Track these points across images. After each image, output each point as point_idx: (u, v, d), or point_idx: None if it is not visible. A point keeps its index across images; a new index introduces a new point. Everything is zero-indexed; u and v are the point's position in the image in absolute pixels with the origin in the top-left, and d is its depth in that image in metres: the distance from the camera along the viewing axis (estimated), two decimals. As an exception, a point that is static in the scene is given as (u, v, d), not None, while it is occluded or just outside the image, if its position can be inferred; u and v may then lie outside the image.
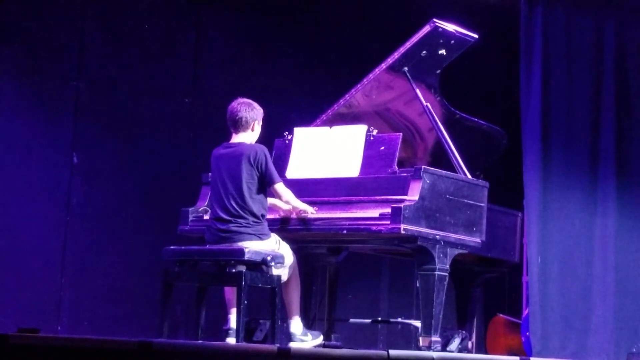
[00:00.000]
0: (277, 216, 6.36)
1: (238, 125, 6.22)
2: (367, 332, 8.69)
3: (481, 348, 8.11)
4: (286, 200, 6.24)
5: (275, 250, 6.11)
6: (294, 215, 6.32)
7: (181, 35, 8.51)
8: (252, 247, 5.97)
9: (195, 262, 6.13)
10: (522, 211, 7.10)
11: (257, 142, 6.29)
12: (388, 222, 6.02)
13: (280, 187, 6.18)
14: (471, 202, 6.40)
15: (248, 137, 6.24)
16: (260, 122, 6.29)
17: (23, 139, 7.90)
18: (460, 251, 6.32)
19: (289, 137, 6.76)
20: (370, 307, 8.83)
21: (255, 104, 6.27)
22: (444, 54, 6.82)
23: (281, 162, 6.65)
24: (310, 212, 6.27)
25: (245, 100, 6.27)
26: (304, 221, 6.29)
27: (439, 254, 6.17)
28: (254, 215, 6.08)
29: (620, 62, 7.21)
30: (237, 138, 6.24)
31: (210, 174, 6.33)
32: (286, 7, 8.73)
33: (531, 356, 6.71)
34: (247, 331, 6.34)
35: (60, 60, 8.08)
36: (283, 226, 6.35)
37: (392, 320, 8.14)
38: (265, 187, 6.16)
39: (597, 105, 7.20)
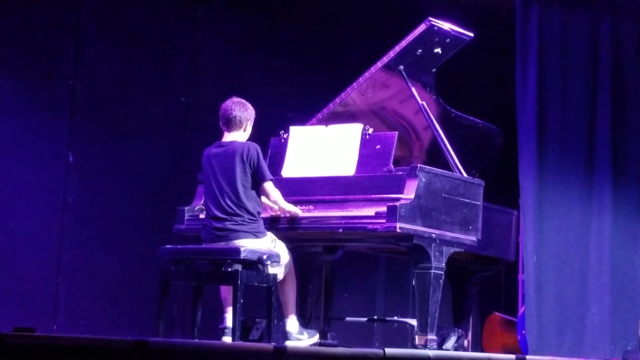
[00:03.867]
0: (272, 215, 6.36)
1: (231, 124, 6.23)
2: (363, 330, 8.69)
3: (477, 346, 8.11)
4: (274, 200, 6.24)
5: (271, 249, 6.11)
6: (283, 215, 6.33)
7: (176, 34, 8.51)
8: (247, 245, 5.97)
9: (191, 261, 6.13)
10: (518, 209, 7.10)
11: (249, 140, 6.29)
12: (384, 221, 6.02)
13: (269, 185, 6.17)
14: (467, 200, 6.40)
15: (240, 136, 6.24)
16: (252, 123, 6.30)
17: (19, 137, 7.90)
18: (456, 249, 6.32)
19: (285, 136, 6.76)
20: (367, 306, 8.83)
21: (249, 105, 6.29)
22: (440, 52, 6.82)
23: (277, 160, 6.65)
24: (296, 213, 6.27)
25: (239, 99, 6.28)
26: (300, 220, 6.28)
27: (435, 253, 6.17)
28: (249, 212, 6.08)
29: (615, 61, 7.22)
30: (229, 137, 6.25)
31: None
32: (282, 6, 8.73)
33: (527, 354, 6.71)
34: (243, 330, 6.33)
35: (56, 59, 8.08)
36: (279, 225, 6.34)
37: (388, 318, 8.14)
38: (257, 184, 6.16)
39: (593, 104, 7.21)
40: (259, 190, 6.18)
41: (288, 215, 6.29)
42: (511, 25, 7.24)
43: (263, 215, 6.27)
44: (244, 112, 6.24)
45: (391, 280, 8.93)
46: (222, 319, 6.33)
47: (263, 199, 6.26)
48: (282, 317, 6.38)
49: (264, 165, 6.15)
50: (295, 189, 6.41)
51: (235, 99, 6.28)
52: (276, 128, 6.82)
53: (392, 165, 6.33)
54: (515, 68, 7.18)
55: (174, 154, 8.33)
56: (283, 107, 8.22)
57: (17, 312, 7.66)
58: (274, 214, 6.35)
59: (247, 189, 6.11)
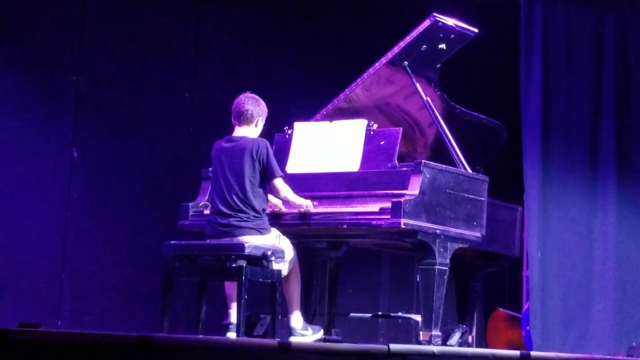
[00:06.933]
0: (277, 210, 6.36)
1: (242, 118, 6.22)
2: (368, 326, 8.69)
3: (481, 342, 8.12)
4: (284, 196, 6.23)
5: (275, 245, 6.10)
6: (293, 211, 6.32)
7: (181, 30, 8.52)
8: (252, 241, 5.97)
9: (195, 257, 6.13)
10: (523, 205, 7.09)
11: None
12: (388, 217, 6.02)
13: (279, 182, 6.17)
14: (471, 196, 6.40)
15: (250, 132, 6.23)
16: (264, 120, 6.29)
17: (23, 133, 7.90)
18: (461, 245, 6.32)
19: (289, 132, 6.75)
20: (371, 302, 8.83)
21: (262, 101, 6.28)
22: (444, 48, 6.82)
23: (281, 156, 6.65)
24: (308, 207, 6.27)
25: (253, 95, 6.29)
26: (304, 216, 6.28)
27: (439, 249, 6.17)
28: (254, 209, 6.08)
29: (620, 57, 7.21)
30: (239, 132, 6.24)
31: (210, 168, 6.33)
32: (286, 2, 8.73)
33: (531, 350, 6.70)
34: (247, 326, 6.34)
35: (60, 55, 8.08)
36: (283, 221, 6.35)
37: (392, 314, 8.15)
38: (266, 181, 6.15)
39: (597, 100, 7.20)
40: (266, 187, 6.17)
41: (300, 210, 6.27)
42: (516, 21, 7.23)
43: (269, 210, 6.27)
44: (256, 107, 6.24)
45: (395, 276, 8.93)
46: (226, 315, 6.33)
47: (271, 196, 6.26)
48: (286, 313, 6.38)
49: (274, 162, 6.14)
50: (299, 185, 6.40)
51: (249, 94, 6.28)
52: (280, 124, 6.82)
53: (396, 161, 6.33)
54: (519, 64, 7.17)
55: (178, 150, 8.33)
56: (287, 102, 8.22)
57: (21, 308, 7.67)
58: (283, 209, 6.33)
59: (255, 186, 6.10)
